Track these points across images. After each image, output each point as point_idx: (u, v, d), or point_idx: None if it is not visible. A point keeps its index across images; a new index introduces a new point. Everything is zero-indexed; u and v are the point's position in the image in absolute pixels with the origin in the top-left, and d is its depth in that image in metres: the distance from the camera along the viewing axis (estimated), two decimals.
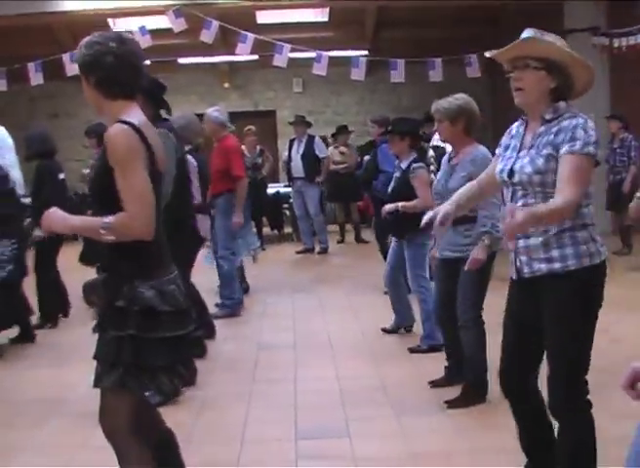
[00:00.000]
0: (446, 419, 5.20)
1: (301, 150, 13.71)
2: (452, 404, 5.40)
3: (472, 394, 5.44)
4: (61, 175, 8.59)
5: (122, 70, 3.21)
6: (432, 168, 7.77)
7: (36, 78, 13.11)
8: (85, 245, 8.57)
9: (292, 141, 14.04)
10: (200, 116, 8.14)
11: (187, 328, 3.30)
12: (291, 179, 14.02)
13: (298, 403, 5.65)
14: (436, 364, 6.16)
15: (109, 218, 3.09)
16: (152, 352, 3.17)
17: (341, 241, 14.87)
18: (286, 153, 14.27)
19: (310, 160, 13.65)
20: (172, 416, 4.53)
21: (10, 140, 7.64)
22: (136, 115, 3.24)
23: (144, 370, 3.20)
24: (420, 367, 6.39)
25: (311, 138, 13.85)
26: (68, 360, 6.95)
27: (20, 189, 7.47)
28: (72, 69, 13.26)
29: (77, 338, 7.71)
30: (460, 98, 5.57)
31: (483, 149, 5.54)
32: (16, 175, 7.56)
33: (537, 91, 3.58)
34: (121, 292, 3.17)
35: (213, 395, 5.91)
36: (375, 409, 5.48)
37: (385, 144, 10.75)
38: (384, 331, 7.56)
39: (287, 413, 5.41)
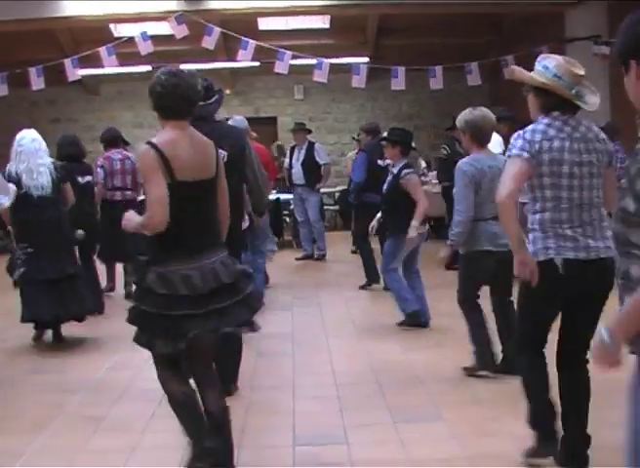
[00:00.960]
0: (443, 425, 5.20)
1: (302, 157, 13.67)
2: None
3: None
4: (84, 178, 9.03)
5: (166, 98, 4.11)
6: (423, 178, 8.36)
7: (37, 83, 13.16)
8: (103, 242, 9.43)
9: (292, 148, 14.03)
10: None
11: (181, 310, 4.03)
12: (292, 186, 14.04)
13: (296, 409, 5.66)
14: (436, 369, 6.18)
15: (140, 218, 4.11)
16: (146, 320, 4.14)
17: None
18: (287, 160, 14.26)
19: (311, 167, 13.60)
20: (169, 423, 4.57)
21: (32, 145, 7.71)
22: (164, 135, 4.12)
23: (144, 332, 4.18)
24: (418, 372, 6.42)
25: (311, 145, 13.80)
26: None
27: (37, 191, 7.60)
28: (73, 74, 13.37)
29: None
30: (470, 113, 6.13)
31: (467, 159, 6.14)
32: (29, 180, 7.59)
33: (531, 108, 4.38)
34: (141, 273, 4.24)
35: None
36: (373, 415, 5.49)
37: (362, 153, 10.97)
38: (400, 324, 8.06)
39: (285, 420, 5.42)
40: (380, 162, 10.21)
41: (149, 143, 4.05)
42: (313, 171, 13.64)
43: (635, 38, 2.49)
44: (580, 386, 4.37)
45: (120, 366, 6.86)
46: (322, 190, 14.37)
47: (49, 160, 7.83)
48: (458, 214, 6.12)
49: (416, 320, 7.95)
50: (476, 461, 4.55)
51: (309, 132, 14.12)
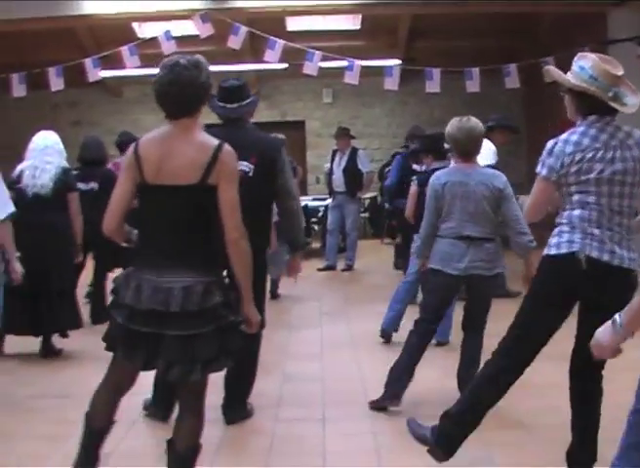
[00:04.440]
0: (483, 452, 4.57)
1: (344, 164, 13.20)
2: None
3: None
4: (88, 185, 8.47)
5: (161, 98, 3.72)
6: None
7: (57, 83, 12.65)
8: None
9: (334, 153, 13.53)
10: None
11: (123, 318, 3.65)
12: (331, 193, 13.53)
13: (327, 449, 5.04)
14: None
15: None
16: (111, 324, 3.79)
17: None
18: (328, 165, 13.82)
19: (353, 174, 13.13)
20: None
21: (43, 142, 7.35)
22: (155, 131, 3.81)
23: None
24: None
25: (355, 151, 13.34)
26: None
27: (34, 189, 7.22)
28: (94, 75, 12.87)
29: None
30: (451, 125, 5.78)
31: (439, 171, 5.90)
32: (29, 178, 7.27)
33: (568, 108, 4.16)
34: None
35: (231, 435, 5.32)
36: (413, 457, 4.79)
37: (397, 157, 10.60)
38: None
39: (314, 461, 4.82)
40: (415, 166, 9.75)
41: (136, 141, 3.85)
42: (355, 178, 13.17)
43: None
44: (591, 400, 4.24)
45: (132, 390, 6.24)
46: None
47: (60, 162, 7.42)
48: (421, 229, 5.96)
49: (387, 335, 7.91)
50: None
51: (353, 137, 13.63)
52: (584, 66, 3.97)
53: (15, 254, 6.15)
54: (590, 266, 3.94)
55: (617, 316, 2.77)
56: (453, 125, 5.74)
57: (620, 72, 3.98)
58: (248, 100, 5.31)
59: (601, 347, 2.85)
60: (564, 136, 4.05)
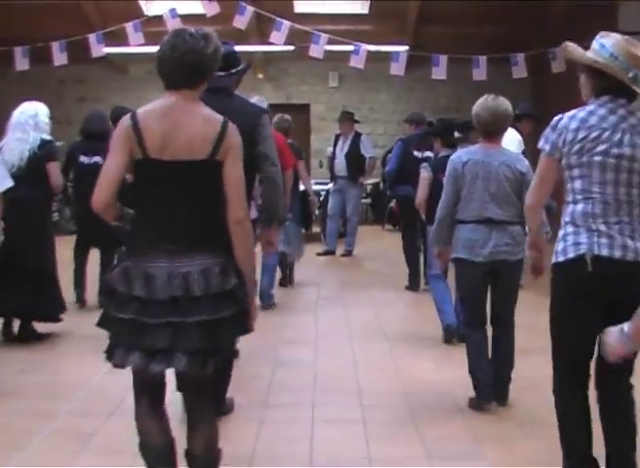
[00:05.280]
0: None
1: (346, 148, 13.07)
2: None
3: None
4: (92, 158, 8.27)
5: (163, 65, 3.49)
6: None
7: (60, 58, 12.62)
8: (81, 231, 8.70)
9: (337, 137, 13.39)
10: None
11: (133, 312, 3.37)
12: (333, 177, 13.42)
13: (315, 435, 4.95)
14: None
15: None
16: (106, 320, 3.51)
17: None
18: (330, 149, 13.69)
19: (355, 159, 13.00)
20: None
21: (19, 117, 7.17)
22: (150, 104, 3.55)
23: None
24: (456, 396, 5.66)
25: (358, 136, 13.20)
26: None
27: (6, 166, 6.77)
28: (98, 51, 12.79)
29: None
30: (478, 104, 5.58)
31: (462, 150, 5.86)
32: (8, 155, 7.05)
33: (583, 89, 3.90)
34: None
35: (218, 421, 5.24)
36: (403, 448, 4.76)
37: (399, 143, 10.47)
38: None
39: (301, 446, 4.74)
40: (416, 153, 9.64)
41: (132, 112, 3.51)
42: (357, 163, 13.07)
43: None
44: (620, 415, 3.83)
45: (120, 369, 6.17)
46: None
47: (34, 136, 7.17)
48: (437, 211, 5.65)
49: (450, 335, 7.19)
50: None
51: (357, 122, 13.51)
52: (605, 44, 3.72)
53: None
54: (599, 266, 3.66)
55: (625, 326, 2.66)
56: (478, 103, 5.53)
57: None
58: (236, 69, 5.16)
59: (613, 352, 2.72)
60: (571, 112, 3.80)
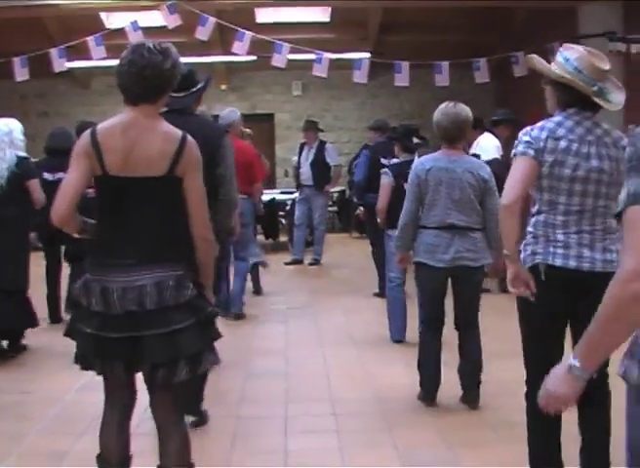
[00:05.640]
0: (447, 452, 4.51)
1: (311, 157, 13.04)
2: None
3: None
4: (55, 175, 8.05)
5: (121, 78, 3.49)
6: None
7: (21, 73, 12.46)
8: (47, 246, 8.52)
9: (302, 146, 13.37)
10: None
11: (90, 328, 3.42)
12: (298, 186, 13.39)
13: (288, 448, 4.93)
14: (447, 396, 5.51)
15: None
16: (73, 331, 3.58)
17: None
18: (295, 158, 13.65)
19: (320, 167, 12.98)
20: (147, 460, 3.87)
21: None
22: (109, 120, 3.54)
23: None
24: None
25: (322, 145, 13.18)
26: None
27: None
28: (60, 65, 12.68)
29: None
30: (439, 110, 5.60)
31: (423, 157, 5.79)
32: None
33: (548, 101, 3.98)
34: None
35: (191, 434, 5.17)
36: (378, 455, 4.76)
37: (364, 151, 10.51)
38: None
39: (275, 460, 4.72)
40: (384, 160, 9.64)
41: (92, 128, 3.52)
42: (323, 171, 13.03)
43: None
44: (595, 405, 3.84)
45: (93, 386, 6.08)
46: None
47: (10, 154, 7.13)
48: (400, 217, 5.70)
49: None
50: None
51: (321, 130, 13.50)
52: (569, 58, 3.77)
53: None
54: (551, 276, 3.75)
55: (571, 359, 2.15)
56: (439, 110, 5.55)
57: (607, 66, 3.79)
58: (195, 88, 5.15)
59: (554, 399, 2.23)
60: (539, 123, 3.84)
